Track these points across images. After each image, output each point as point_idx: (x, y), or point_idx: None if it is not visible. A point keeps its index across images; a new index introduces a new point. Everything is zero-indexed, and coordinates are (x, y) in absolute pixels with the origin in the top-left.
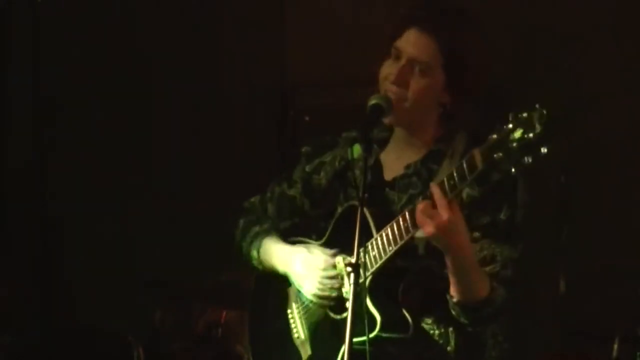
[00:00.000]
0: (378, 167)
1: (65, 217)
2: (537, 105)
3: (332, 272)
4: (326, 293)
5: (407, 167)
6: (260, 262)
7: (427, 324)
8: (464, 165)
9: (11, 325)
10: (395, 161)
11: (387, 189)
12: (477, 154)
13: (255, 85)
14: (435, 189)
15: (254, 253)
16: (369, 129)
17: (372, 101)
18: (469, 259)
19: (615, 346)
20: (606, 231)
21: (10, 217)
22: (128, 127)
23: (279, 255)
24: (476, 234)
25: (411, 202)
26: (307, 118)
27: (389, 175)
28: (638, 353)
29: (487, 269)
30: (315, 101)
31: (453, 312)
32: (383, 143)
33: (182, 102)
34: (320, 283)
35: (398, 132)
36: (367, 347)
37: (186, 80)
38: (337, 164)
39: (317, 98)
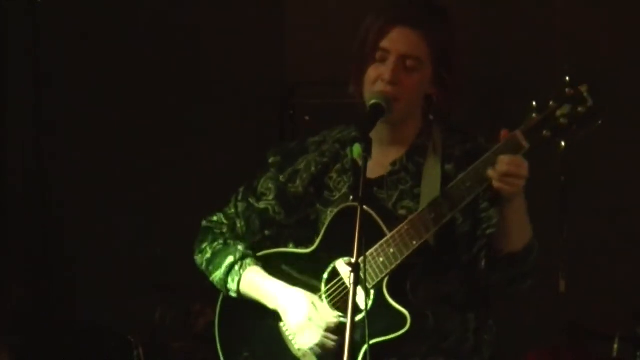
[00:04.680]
0: (357, 168)
1: (66, 218)
2: (567, 78)
3: (334, 337)
4: (325, 353)
5: (393, 164)
6: (240, 294)
7: (444, 313)
8: (505, 147)
9: (15, 325)
10: (375, 160)
11: (375, 189)
12: (519, 135)
13: (255, 85)
14: (504, 157)
15: (232, 286)
16: (369, 128)
17: (373, 101)
18: (524, 203)
19: (615, 346)
20: (606, 231)
21: (10, 218)
22: (128, 127)
23: (270, 292)
24: (484, 205)
25: (402, 198)
26: (307, 117)
27: (372, 174)
28: (638, 353)
29: None
30: (315, 100)
31: (494, 273)
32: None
33: (182, 102)
34: (321, 344)
35: (377, 131)
36: (367, 346)
37: (186, 81)
38: (312, 169)
39: (316, 97)
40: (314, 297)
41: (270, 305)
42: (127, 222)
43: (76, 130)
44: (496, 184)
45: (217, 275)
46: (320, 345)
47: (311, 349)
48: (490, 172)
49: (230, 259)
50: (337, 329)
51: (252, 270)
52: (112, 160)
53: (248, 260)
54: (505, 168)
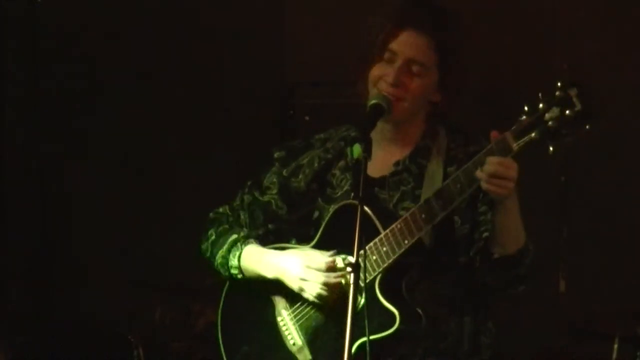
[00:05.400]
0: (357, 167)
1: (66, 218)
2: (559, 83)
3: (335, 273)
4: (332, 293)
5: (396, 164)
6: (242, 269)
7: (442, 314)
8: (495, 149)
9: (15, 325)
10: (379, 159)
11: (376, 188)
12: (509, 136)
13: (255, 85)
14: (492, 158)
15: (234, 261)
16: (369, 128)
17: (373, 101)
18: (517, 206)
19: (615, 346)
20: (606, 231)
21: (10, 218)
22: (127, 127)
23: (268, 260)
24: (483, 208)
25: (404, 199)
26: (307, 117)
27: (374, 173)
28: (638, 353)
29: None
30: (315, 100)
31: (488, 275)
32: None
33: (182, 103)
34: (325, 284)
35: (380, 131)
36: (367, 346)
37: (186, 81)
38: (316, 165)
39: (316, 97)
40: (305, 249)
41: (270, 273)
42: (127, 222)
43: (76, 130)
44: (484, 185)
45: (220, 254)
46: (325, 285)
47: (319, 294)
48: (478, 173)
49: (234, 236)
50: (334, 267)
51: (252, 247)
52: (112, 160)
53: (251, 239)
54: (493, 169)
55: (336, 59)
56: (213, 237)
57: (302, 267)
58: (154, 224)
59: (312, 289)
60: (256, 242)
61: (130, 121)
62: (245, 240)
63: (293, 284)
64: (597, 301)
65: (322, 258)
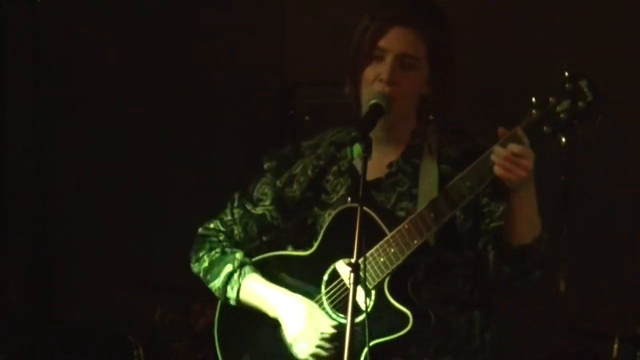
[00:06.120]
0: (354, 170)
1: (66, 218)
2: (566, 74)
3: (329, 346)
4: (321, 358)
5: (390, 165)
6: (240, 302)
7: (450, 313)
8: (505, 144)
9: (14, 326)
10: (372, 161)
11: (372, 192)
12: (519, 131)
13: (255, 85)
14: (499, 151)
15: (231, 294)
16: (369, 128)
17: (373, 101)
18: (534, 195)
19: (615, 346)
20: (606, 231)
21: (10, 218)
22: (127, 127)
23: (270, 302)
24: (485, 200)
25: (401, 200)
26: (307, 117)
27: (368, 175)
28: (638, 353)
29: None
30: (315, 100)
31: (506, 267)
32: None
33: (182, 102)
34: (316, 352)
35: (373, 132)
36: (367, 347)
37: (186, 81)
38: (309, 172)
39: (316, 97)
40: (313, 305)
41: (271, 313)
42: (127, 221)
43: (76, 130)
44: (498, 170)
45: (216, 284)
46: (315, 355)
47: (307, 358)
48: (493, 156)
49: (228, 268)
50: (334, 337)
51: (251, 278)
52: (112, 160)
53: (246, 268)
54: (509, 152)
55: (336, 59)
56: (205, 264)
57: (301, 327)
58: (154, 224)
59: (302, 352)
60: (252, 270)
61: (130, 121)
62: (241, 271)
63: (288, 336)
64: (597, 301)
65: (325, 324)
